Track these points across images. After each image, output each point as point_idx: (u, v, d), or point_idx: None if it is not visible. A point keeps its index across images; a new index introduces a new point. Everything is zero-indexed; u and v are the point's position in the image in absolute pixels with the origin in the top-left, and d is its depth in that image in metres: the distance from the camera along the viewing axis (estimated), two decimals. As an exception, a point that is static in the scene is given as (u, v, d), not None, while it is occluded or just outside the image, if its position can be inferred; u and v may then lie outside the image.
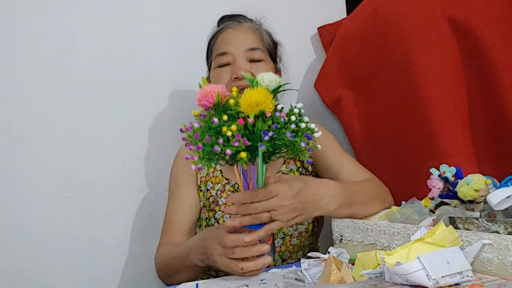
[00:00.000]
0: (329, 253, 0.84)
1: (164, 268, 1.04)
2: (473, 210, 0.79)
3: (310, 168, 1.15)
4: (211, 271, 1.06)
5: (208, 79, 1.19)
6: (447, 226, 0.69)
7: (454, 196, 0.82)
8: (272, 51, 1.17)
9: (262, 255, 0.81)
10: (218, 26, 1.20)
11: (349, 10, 1.53)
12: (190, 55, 1.33)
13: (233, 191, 1.10)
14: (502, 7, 1.00)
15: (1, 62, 1.18)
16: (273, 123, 0.75)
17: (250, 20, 1.19)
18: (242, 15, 1.20)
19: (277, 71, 1.19)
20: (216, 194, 1.11)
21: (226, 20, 1.18)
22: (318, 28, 1.46)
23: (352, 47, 1.29)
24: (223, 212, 1.08)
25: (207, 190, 1.12)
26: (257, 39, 1.14)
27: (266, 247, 0.81)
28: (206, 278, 0.91)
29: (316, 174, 1.16)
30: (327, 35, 1.42)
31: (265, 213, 0.81)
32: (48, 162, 1.20)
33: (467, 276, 0.61)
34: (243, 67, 1.08)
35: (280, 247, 1.07)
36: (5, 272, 1.16)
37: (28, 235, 1.18)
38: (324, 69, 1.37)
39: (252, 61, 1.11)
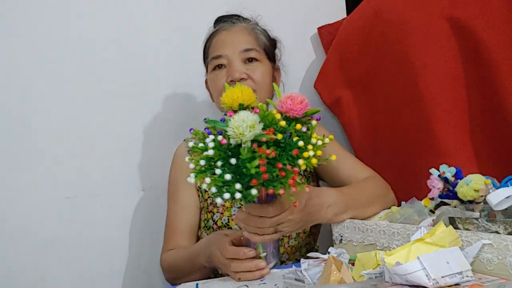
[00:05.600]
0: (329, 254, 0.85)
1: (172, 271, 1.05)
2: (473, 210, 0.79)
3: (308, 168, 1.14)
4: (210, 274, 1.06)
5: (206, 81, 1.19)
6: (447, 226, 0.69)
7: (454, 196, 0.82)
8: (269, 50, 1.16)
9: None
10: (214, 26, 1.18)
11: (349, 10, 1.52)
12: (190, 56, 1.33)
13: None
14: (502, 7, 1.00)
15: (1, 63, 1.18)
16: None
17: (245, 19, 1.17)
18: (236, 15, 1.18)
19: (275, 70, 1.18)
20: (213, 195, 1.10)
21: (221, 22, 1.17)
22: (318, 28, 1.45)
23: (352, 47, 1.29)
24: (232, 217, 1.08)
25: (205, 191, 1.12)
26: (251, 39, 1.12)
27: (263, 263, 0.83)
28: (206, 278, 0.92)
29: (316, 173, 1.16)
30: (327, 35, 1.42)
31: (271, 228, 0.82)
32: (48, 162, 1.20)
33: (467, 276, 0.61)
34: (239, 69, 1.07)
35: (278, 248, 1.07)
36: (5, 271, 1.16)
37: (28, 235, 1.18)
38: (324, 69, 1.37)
39: (247, 62, 1.10)
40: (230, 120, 0.71)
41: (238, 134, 0.69)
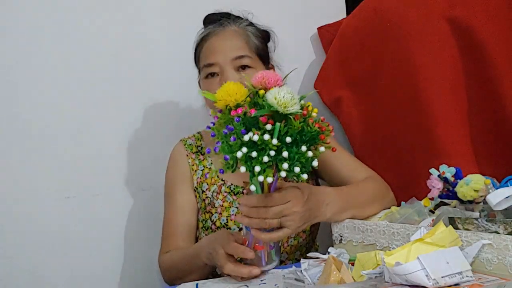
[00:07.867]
0: (328, 254, 0.85)
1: (171, 271, 1.04)
2: (472, 210, 0.79)
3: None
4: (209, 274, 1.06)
5: (199, 84, 1.17)
6: (446, 226, 0.69)
7: (454, 196, 0.82)
8: (262, 51, 1.11)
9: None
10: (204, 26, 1.15)
11: (349, 10, 1.53)
12: (190, 56, 1.32)
13: (229, 192, 1.09)
14: (502, 7, 1.00)
15: (1, 62, 1.18)
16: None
17: (236, 19, 1.12)
18: (227, 14, 1.13)
19: (270, 70, 1.13)
20: (212, 195, 1.10)
21: (211, 22, 1.13)
22: (318, 28, 1.46)
23: (352, 47, 1.29)
24: (231, 218, 1.07)
25: (203, 191, 1.12)
26: (243, 44, 1.07)
27: (256, 271, 0.82)
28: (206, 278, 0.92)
29: (315, 172, 1.16)
30: (327, 35, 1.42)
31: (275, 219, 0.81)
32: (48, 162, 1.20)
33: (466, 276, 0.61)
34: (232, 78, 1.03)
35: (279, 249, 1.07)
36: (5, 271, 1.16)
37: (28, 235, 1.18)
38: (324, 69, 1.37)
39: (240, 69, 1.05)
40: (270, 101, 0.73)
41: (292, 104, 0.73)
